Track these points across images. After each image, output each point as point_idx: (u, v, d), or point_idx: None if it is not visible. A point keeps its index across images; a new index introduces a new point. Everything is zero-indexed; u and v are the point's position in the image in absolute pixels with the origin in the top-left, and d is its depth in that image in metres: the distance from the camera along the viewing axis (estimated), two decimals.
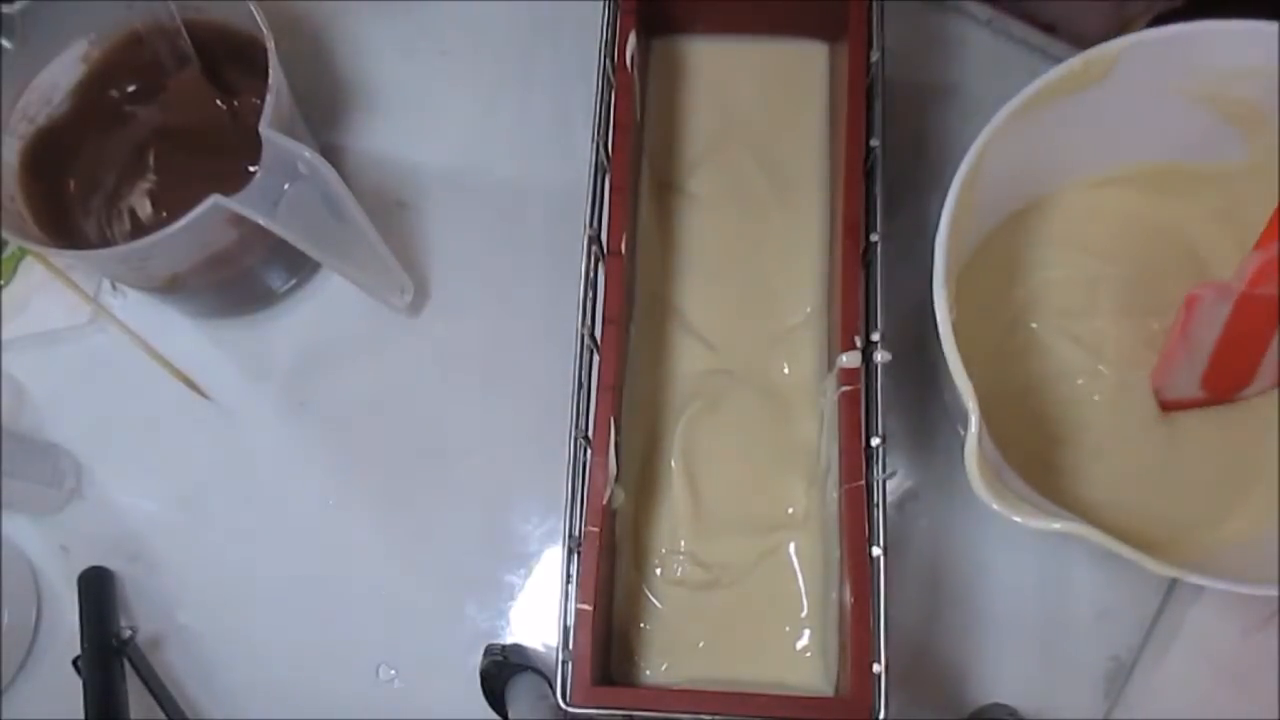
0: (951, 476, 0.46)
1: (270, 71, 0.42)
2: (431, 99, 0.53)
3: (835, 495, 0.38)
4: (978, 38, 0.52)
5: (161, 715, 0.44)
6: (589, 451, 0.38)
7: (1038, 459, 0.43)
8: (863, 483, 0.37)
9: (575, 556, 0.37)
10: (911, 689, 0.44)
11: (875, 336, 0.39)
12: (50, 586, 0.48)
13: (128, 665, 0.45)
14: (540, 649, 0.46)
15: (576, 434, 0.38)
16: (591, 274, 0.40)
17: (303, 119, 0.48)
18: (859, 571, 0.36)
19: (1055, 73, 0.38)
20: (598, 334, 0.40)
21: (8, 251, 0.52)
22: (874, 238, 0.40)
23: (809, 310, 0.44)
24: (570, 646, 0.36)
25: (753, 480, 0.43)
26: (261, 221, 0.40)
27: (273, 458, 0.49)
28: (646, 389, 0.44)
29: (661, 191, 0.47)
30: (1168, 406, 0.43)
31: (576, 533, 0.38)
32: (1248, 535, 0.41)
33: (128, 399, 0.50)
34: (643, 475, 0.43)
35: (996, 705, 0.43)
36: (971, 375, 0.35)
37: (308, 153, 0.41)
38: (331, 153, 0.52)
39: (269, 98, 0.41)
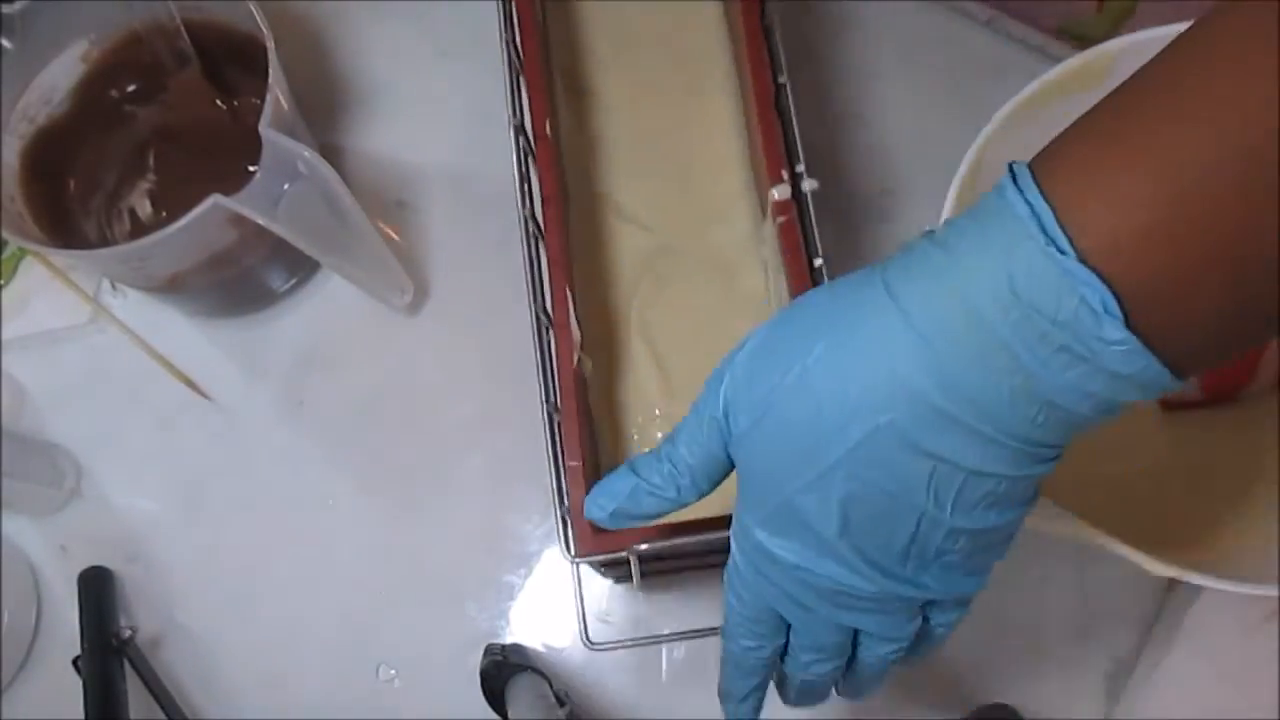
0: None
1: (270, 71, 0.42)
2: (431, 99, 0.53)
3: None
4: (978, 38, 0.52)
5: (161, 715, 0.44)
6: (551, 327, 0.39)
7: None
8: None
9: (555, 420, 0.38)
10: (911, 689, 0.44)
11: (800, 168, 0.40)
12: (50, 586, 0.48)
13: (127, 665, 0.45)
14: (540, 649, 0.46)
15: (536, 309, 0.39)
16: (523, 166, 0.41)
17: (303, 119, 0.48)
18: None
19: (1054, 73, 0.38)
20: (539, 216, 0.41)
21: (8, 251, 0.52)
22: (781, 79, 0.41)
23: (736, 182, 0.46)
24: (566, 503, 0.37)
25: (710, 340, 0.44)
26: (261, 221, 0.40)
27: (272, 457, 0.49)
28: (596, 277, 0.45)
29: (575, 98, 0.48)
30: (1168, 406, 0.43)
31: (554, 399, 0.38)
32: (1248, 535, 0.41)
33: (128, 399, 0.50)
34: (608, 358, 0.44)
35: (996, 705, 0.43)
36: None
37: (307, 152, 0.41)
38: (331, 153, 0.52)
39: (269, 97, 0.41)
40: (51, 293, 0.51)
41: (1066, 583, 0.45)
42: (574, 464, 0.37)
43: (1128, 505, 0.42)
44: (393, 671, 0.46)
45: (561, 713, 0.41)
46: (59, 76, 0.47)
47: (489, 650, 0.45)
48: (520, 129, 0.42)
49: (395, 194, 0.52)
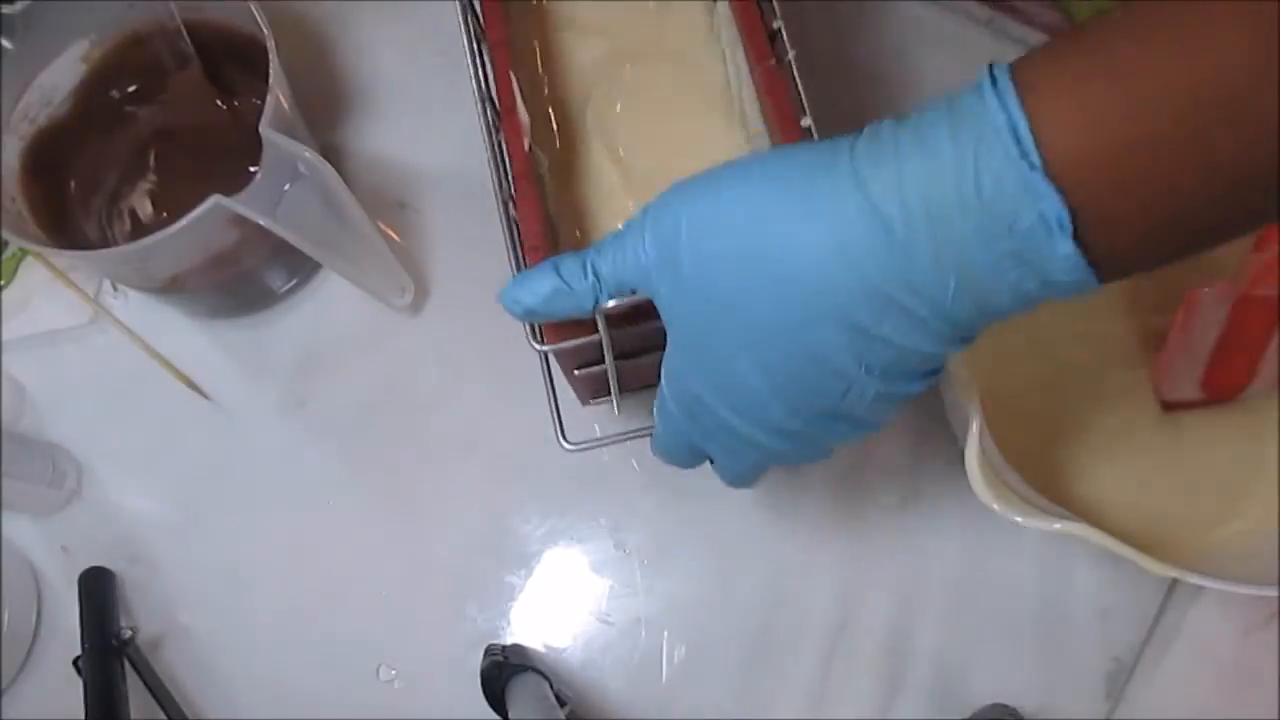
0: (952, 477, 0.46)
1: (270, 71, 0.42)
2: (432, 99, 0.53)
3: (756, 104, 0.39)
4: (978, 38, 0.52)
5: (161, 715, 0.44)
6: (499, 115, 0.38)
7: (1038, 459, 0.43)
8: (773, 61, 0.37)
9: (511, 211, 0.37)
10: (912, 689, 0.44)
11: None
12: (50, 586, 0.48)
13: (128, 665, 0.45)
14: (540, 649, 0.46)
15: (481, 95, 0.39)
16: None
17: (303, 119, 0.48)
18: (792, 138, 0.36)
19: None
20: (477, 6, 0.40)
21: (8, 252, 0.52)
22: None
23: None
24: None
25: (668, 136, 0.43)
26: (262, 222, 0.40)
27: (273, 457, 0.49)
28: (549, 85, 0.44)
29: None
30: (1168, 406, 0.43)
31: (508, 189, 0.37)
32: (1248, 535, 0.41)
33: (128, 399, 0.50)
34: (567, 167, 0.43)
35: (996, 705, 0.43)
36: (972, 375, 0.35)
37: (308, 153, 0.41)
38: (332, 153, 0.52)
39: (269, 98, 0.41)
40: (52, 293, 0.51)
41: (1067, 582, 0.45)
42: (535, 252, 0.36)
43: (1128, 505, 0.42)
44: (393, 672, 0.46)
45: (562, 713, 0.41)
46: (60, 77, 0.47)
47: (489, 651, 0.45)
48: None
49: (395, 194, 0.52)
